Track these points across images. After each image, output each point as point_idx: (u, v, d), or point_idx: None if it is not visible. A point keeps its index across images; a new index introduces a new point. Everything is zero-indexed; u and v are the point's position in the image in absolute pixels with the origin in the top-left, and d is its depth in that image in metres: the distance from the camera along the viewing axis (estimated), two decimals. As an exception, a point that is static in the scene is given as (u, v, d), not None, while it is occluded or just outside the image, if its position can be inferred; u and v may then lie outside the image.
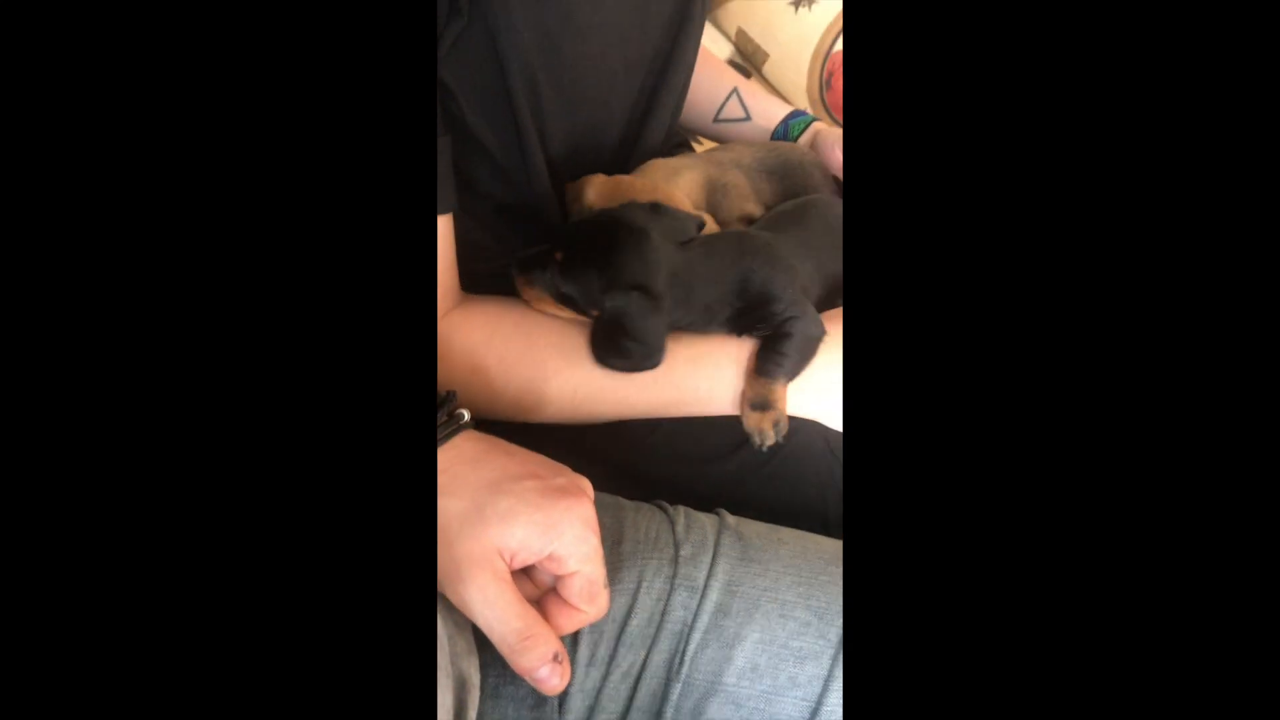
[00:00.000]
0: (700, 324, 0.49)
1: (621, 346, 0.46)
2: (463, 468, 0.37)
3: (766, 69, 1.20)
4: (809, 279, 0.50)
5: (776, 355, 0.48)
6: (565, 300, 0.48)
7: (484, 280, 0.50)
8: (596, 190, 0.52)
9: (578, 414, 0.49)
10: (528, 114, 0.47)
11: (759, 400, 0.48)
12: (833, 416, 0.51)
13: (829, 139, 0.62)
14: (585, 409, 0.49)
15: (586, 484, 0.39)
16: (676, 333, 0.48)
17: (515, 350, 0.48)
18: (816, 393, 0.50)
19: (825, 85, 1.17)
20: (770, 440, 0.48)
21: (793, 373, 0.48)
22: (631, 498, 0.47)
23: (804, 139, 0.66)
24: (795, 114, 0.67)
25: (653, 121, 0.56)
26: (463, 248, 0.48)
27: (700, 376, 0.49)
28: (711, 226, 0.53)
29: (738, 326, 0.49)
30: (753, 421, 0.49)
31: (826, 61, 1.15)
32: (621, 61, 0.51)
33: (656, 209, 0.48)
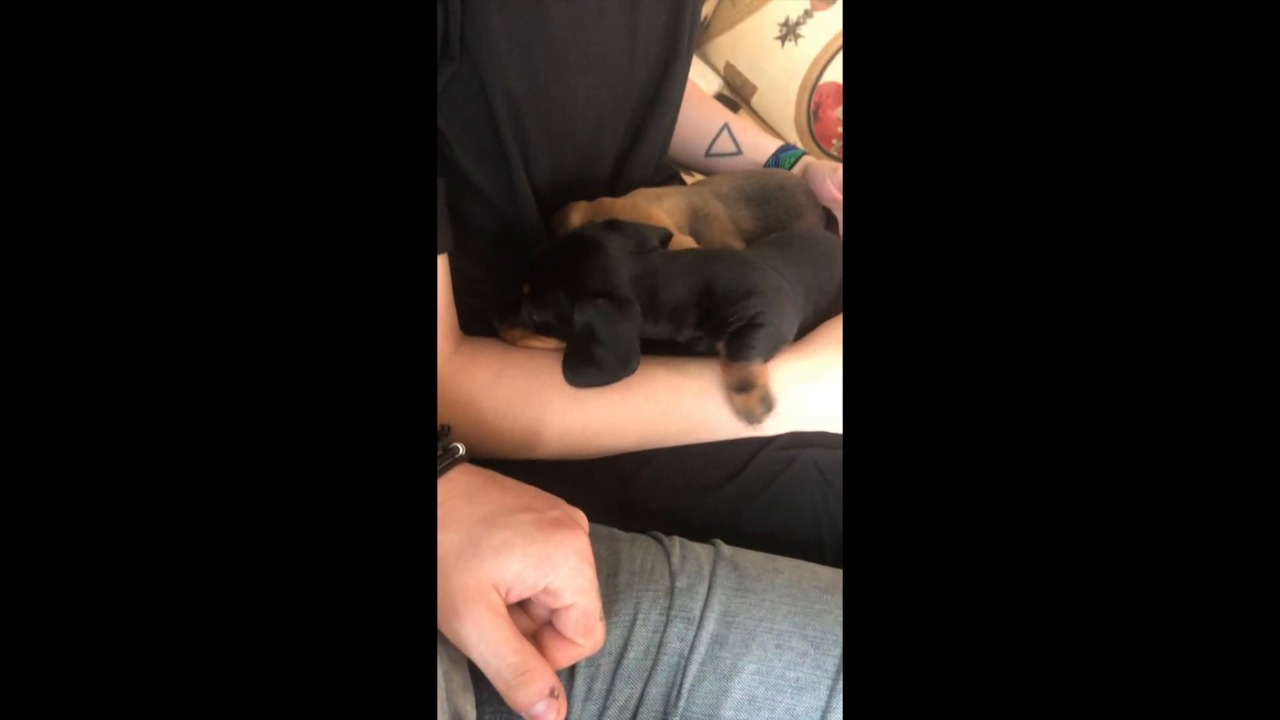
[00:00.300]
0: (670, 331, 0.48)
1: (594, 356, 0.45)
2: (457, 501, 0.37)
3: (755, 101, 1.22)
4: (791, 283, 0.49)
5: (749, 339, 0.47)
6: (542, 329, 0.48)
7: (479, 315, 0.51)
8: (580, 214, 0.52)
9: (575, 450, 0.49)
10: (516, 154, 0.48)
11: (738, 383, 0.48)
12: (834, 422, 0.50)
13: (819, 171, 0.63)
14: (582, 445, 0.49)
15: (581, 516, 0.39)
16: (651, 355, 0.48)
17: (518, 393, 0.48)
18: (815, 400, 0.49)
19: (813, 116, 1.19)
20: (761, 418, 0.47)
21: (767, 354, 0.48)
22: (627, 529, 0.47)
23: (795, 172, 0.68)
24: (785, 148, 0.68)
25: (640, 157, 0.57)
26: (457, 283, 0.49)
27: (688, 402, 0.49)
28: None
29: (708, 327, 0.48)
30: (738, 404, 0.48)
31: (813, 93, 1.17)
32: (609, 100, 0.52)
33: (614, 224, 0.48)
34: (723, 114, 0.72)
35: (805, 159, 0.67)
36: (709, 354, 0.50)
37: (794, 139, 1.21)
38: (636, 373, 0.45)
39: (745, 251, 0.50)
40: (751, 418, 0.48)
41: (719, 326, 0.47)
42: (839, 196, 0.64)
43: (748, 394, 0.47)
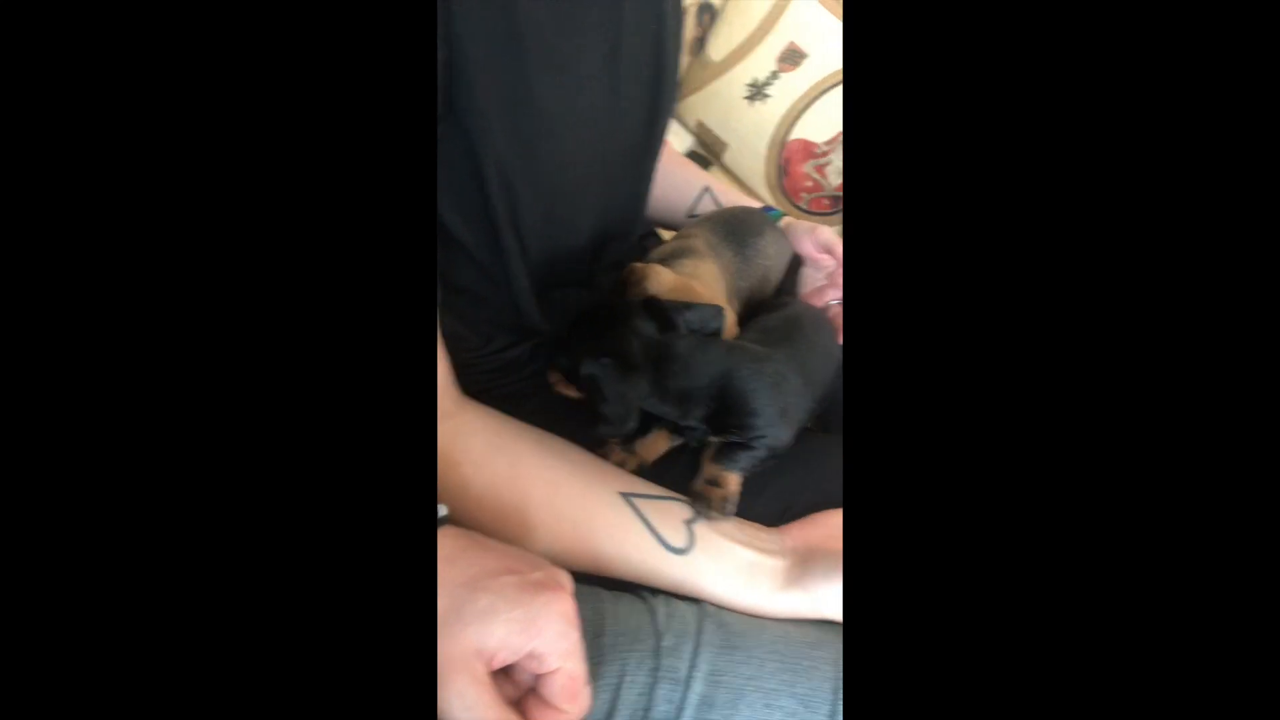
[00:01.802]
0: (676, 414, 0.49)
1: (596, 410, 0.47)
2: (439, 565, 0.37)
3: (726, 158, 1.25)
4: (796, 395, 0.51)
5: (737, 454, 0.49)
6: (570, 376, 0.51)
7: (463, 371, 0.51)
8: (653, 281, 0.54)
9: (565, 556, 0.48)
10: (503, 213, 0.48)
11: (711, 479, 0.49)
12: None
13: (799, 229, 0.66)
14: (566, 556, 0.48)
15: (565, 577, 0.39)
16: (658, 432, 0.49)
17: (502, 477, 0.47)
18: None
19: (782, 172, 1.22)
20: (714, 513, 0.48)
21: (747, 469, 0.49)
22: (610, 588, 0.47)
23: None
24: (765, 210, 0.71)
25: (623, 217, 0.58)
26: (443, 340, 0.49)
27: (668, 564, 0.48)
28: (730, 318, 0.55)
29: (713, 426, 0.49)
30: (701, 491, 0.49)
31: (782, 150, 1.20)
32: (596, 159, 0.53)
33: (677, 309, 0.50)
34: (704, 178, 0.75)
35: (785, 219, 0.69)
36: (700, 443, 0.52)
37: (764, 193, 1.24)
38: (624, 519, 0.47)
39: (765, 355, 0.50)
40: (707, 509, 0.49)
41: (719, 429, 0.49)
42: (817, 255, 0.66)
43: (714, 489, 0.49)
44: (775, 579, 0.47)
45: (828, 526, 0.50)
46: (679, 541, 0.47)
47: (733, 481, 0.49)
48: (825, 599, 0.45)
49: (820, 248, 0.66)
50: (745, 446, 0.49)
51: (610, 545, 0.47)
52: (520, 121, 0.46)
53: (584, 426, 0.49)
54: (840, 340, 0.60)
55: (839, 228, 1.22)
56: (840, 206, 1.24)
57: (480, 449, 0.48)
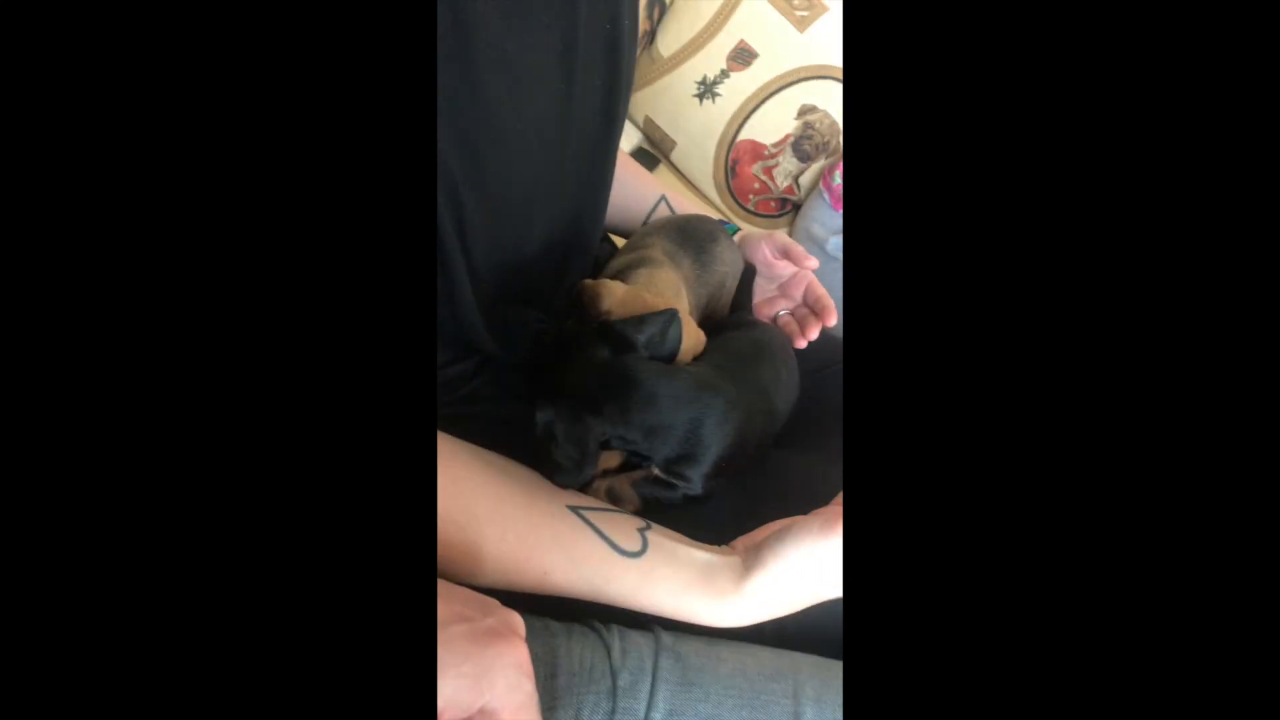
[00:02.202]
0: (640, 446, 0.47)
1: (552, 457, 0.44)
2: None
3: (675, 156, 1.24)
4: (759, 434, 0.51)
5: (658, 489, 0.49)
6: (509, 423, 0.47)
7: None
8: (605, 298, 0.51)
9: (510, 574, 0.45)
10: (450, 227, 0.45)
11: (612, 492, 0.49)
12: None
13: (755, 238, 0.66)
14: (515, 572, 0.45)
15: (517, 620, 0.37)
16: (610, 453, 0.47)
17: (454, 508, 0.44)
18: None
19: (730, 172, 1.21)
20: (596, 501, 0.48)
21: (649, 498, 0.50)
22: (561, 617, 0.45)
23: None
24: (721, 223, 0.70)
25: (583, 226, 0.55)
26: None
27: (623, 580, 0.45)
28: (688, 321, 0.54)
29: (665, 468, 0.48)
30: (598, 489, 0.49)
31: (731, 150, 1.19)
32: (547, 167, 0.50)
33: (625, 326, 0.48)
34: (659, 186, 0.73)
35: (742, 232, 0.69)
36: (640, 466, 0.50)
37: (712, 194, 1.23)
38: (574, 528, 0.44)
39: (732, 398, 0.49)
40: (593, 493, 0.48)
41: (665, 464, 0.48)
42: (774, 261, 0.65)
43: (610, 495, 0.49)
44: (733, 573, 0.44)
45: (770, 527, 0.49)
46: (632, 546, 0.45)
47: (629, 501, 0.49)
48: (782, 573, 0.43)
49: (778, 252, 0.66)
50: (669, 487, 0.48)
51: (561, 555, 0.44)
52: (466, 125, 0.43)
53: (528, 448, 0.46)
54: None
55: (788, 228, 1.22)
56: (786, 209, 1.24)
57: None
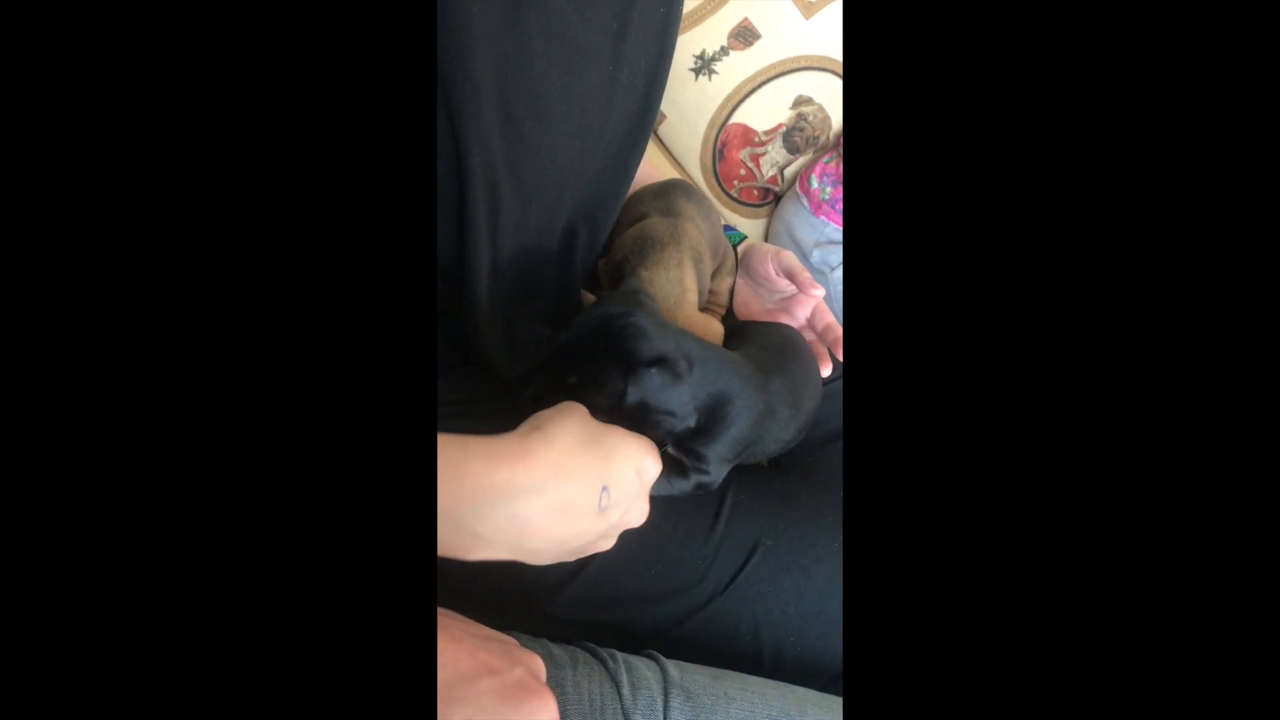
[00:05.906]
0: (663, 414, 0.44)
1: (652, 423, 0.42)
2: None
3: (663, 131, 1.19)
4: (780, 428, 0.49)
5: (667, 478, 0.46)
6: (609, 414, 0.42)
7: None
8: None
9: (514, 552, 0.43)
10: (481, 206, 0.41)
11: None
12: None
13: (760, 252, 0.63)
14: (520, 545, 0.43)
15: (539, 665, 0.34)
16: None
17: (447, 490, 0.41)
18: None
19: (718, 155, 1.18)
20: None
21: (663, 493, 0.47)
22: (556, 638, 0.43)
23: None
24: (726, 229, 0.67)
25: (599, 218, 0.52)
26: None
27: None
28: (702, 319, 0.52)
29: (680, 441, 0.45)
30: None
31: (721, 132, 1.16)
32: (582, 153, 0.47)
33: (637, 295, 0.45)
34: (670, 174, 0.70)
35: (747, 241, 0.66)
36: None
37: (697, 176, 1.20)
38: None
39: (761, 382, 0.47)
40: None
41: (681, 446, 0.45)
42: (776, 279, 0.63)
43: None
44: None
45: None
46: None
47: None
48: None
49: (782, 271, 0.63)
50: (681, 474, 0.46)
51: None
52: (512, 100, 0.40)
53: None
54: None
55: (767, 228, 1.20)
56: (768, 200, 1.22)
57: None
